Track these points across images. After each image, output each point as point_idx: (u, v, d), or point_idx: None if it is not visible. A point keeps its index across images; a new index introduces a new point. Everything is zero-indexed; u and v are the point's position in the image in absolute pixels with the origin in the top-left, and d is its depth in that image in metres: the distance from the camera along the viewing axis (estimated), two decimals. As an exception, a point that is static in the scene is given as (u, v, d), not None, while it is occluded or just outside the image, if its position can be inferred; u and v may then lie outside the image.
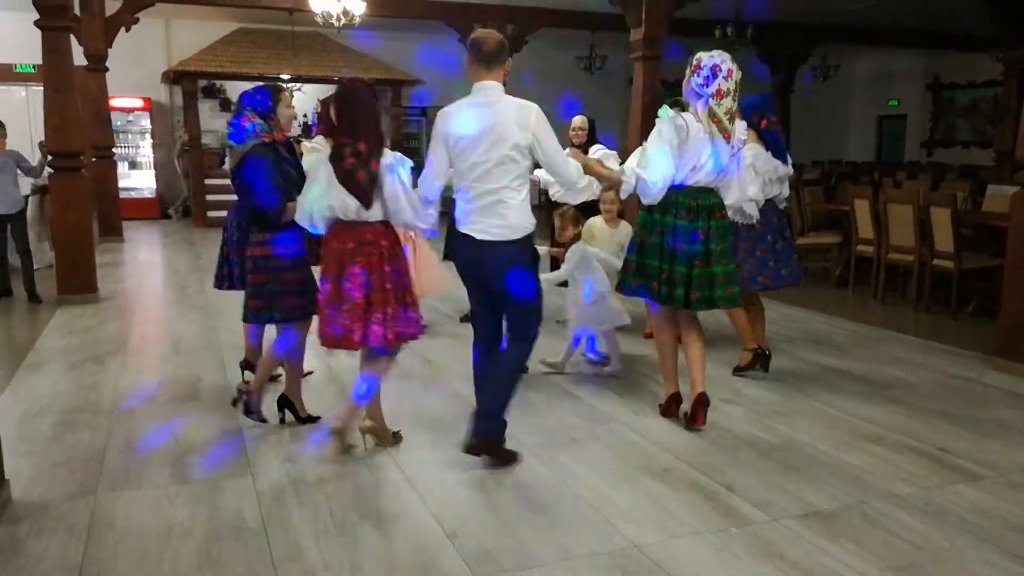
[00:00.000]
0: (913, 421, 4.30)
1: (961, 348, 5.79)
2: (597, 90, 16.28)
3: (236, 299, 4.41)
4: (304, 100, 15.23)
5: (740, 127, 4.03)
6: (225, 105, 14.78)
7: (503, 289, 3.48)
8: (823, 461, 3.74)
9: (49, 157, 7.00)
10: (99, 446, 3.85)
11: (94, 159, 11.14)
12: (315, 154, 4.09)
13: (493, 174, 3.39)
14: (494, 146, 3.36)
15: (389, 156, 3.48)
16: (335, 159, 3.43)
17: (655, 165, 3.84)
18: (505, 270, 3.45)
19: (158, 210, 14.28)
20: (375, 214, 3.48)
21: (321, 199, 3.48)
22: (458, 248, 3.59)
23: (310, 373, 4.82)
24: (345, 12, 9.65)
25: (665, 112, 3.90)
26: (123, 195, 12.81)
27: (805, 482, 3.51)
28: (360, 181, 3.39)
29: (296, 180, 3.81)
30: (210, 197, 13.19)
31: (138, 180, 14.13)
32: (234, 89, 14.67)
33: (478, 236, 3.45)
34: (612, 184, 4.10)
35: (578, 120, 6.02)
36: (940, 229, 6.75)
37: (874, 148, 18.87)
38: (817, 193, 9.51)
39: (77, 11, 9.90)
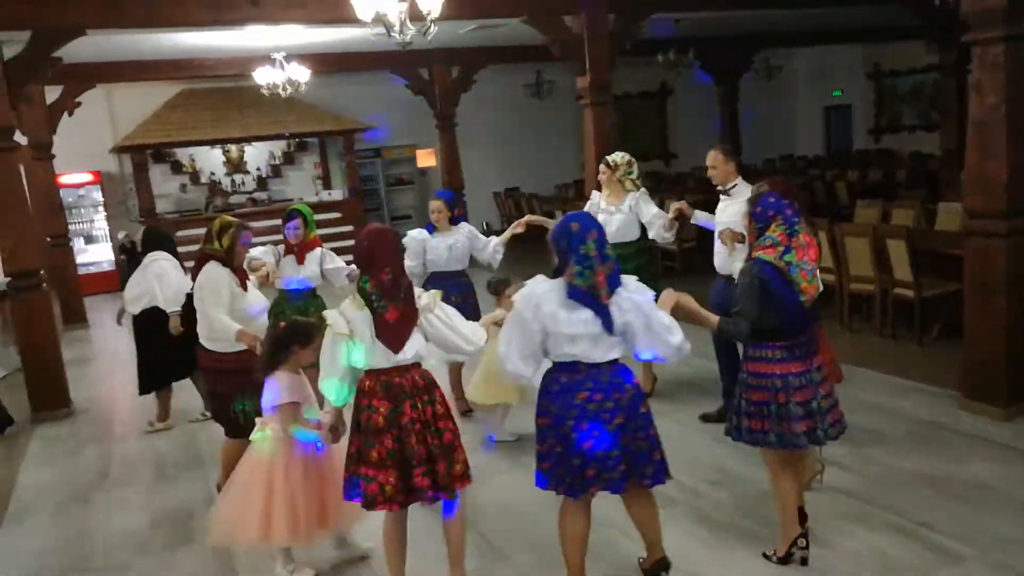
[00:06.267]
0: (892, 489, 4.43)
1: (930, 384, 5.94)
2: (547, 112, 16.39)
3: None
4: (256, 155, 15.17)
5: None
6: (176, 167, 14.64)
7: None
8: (811, 555, 3.84)
9: (8, 279, 6.91)
10: (98, 622, 3.84)
11: (50, 246, 10.95)
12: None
13: None
14: None
15: None
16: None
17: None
18: None
19: (119, 282, 14.07)
20: None
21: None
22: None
23: None
24: (290, 81, 9.61)
25: None
26: (83, 271, 12.65)
27: (798, 588, 3.61)
28: None
29: None
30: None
31: (96, 254, 13.91)
32: (183, 153, 14.56)
33: None
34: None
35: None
36: (897, 259, 6.91)
37: (823, 139, 19.16)
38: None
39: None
